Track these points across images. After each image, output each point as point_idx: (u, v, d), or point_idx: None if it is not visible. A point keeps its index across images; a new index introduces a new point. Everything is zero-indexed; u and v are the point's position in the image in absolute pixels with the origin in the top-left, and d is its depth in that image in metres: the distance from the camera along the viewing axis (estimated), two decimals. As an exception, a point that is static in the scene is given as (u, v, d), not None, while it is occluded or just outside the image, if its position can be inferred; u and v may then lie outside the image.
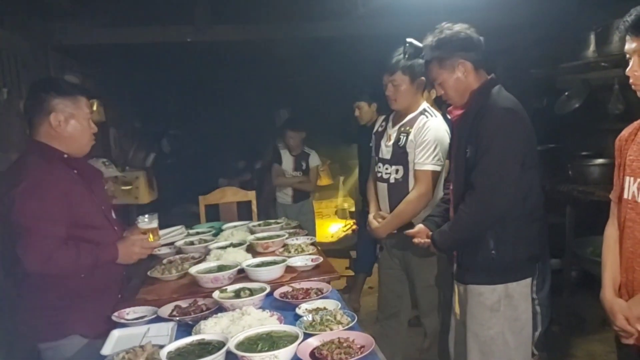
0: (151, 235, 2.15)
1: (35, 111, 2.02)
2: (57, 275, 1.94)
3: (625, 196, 1.69)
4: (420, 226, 2.39)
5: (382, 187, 2.71)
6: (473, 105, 2.09)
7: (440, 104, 2.74)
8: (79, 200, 2.01)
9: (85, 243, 1.98)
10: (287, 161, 4.73)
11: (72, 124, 2.03)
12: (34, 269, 1.87)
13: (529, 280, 2.11)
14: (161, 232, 2.28)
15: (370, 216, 2.77)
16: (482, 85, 2.10)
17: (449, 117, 2.26)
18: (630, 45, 1.59)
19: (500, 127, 1.98)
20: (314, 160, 4.80)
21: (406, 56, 2.47)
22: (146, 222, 2.15)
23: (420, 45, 2.22)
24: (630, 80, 1.62)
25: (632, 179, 1.67)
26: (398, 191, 2.63)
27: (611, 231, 1.79)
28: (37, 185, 1.90)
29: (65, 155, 2.05)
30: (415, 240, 2.35)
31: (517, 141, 1.99)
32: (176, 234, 2.59)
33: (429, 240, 2.26)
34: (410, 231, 2.40)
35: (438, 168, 2.56)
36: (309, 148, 4.82)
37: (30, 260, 1.85)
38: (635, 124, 1.75)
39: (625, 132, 1.77)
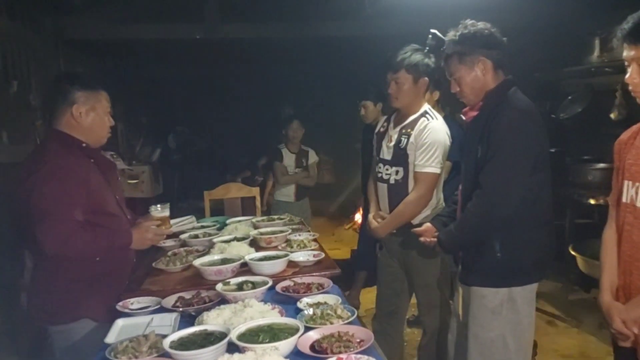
0: (163, 223, 2.25)
1: (58, 101, 2.11)
2: (73, 259, 2.01)
3: (623, 200, 1.69)
4: (427, 225, 2.36)
5: (382, 188, 2.73)
6: (487, 105, 2.06)
7: (445, 105, 2.75)
8: (96, 187, 2.09)
9: (102, 228, 2.05)
10: (289, 159, 4.87)
11: (92, 116, 2.12)
12: (52, 251, 1.93)
13: (534, 285, 2.07)
14: (172, 221, 2.38)
15: (370, 216, 2.79)
16: (499, 86, 2.07)
17: (462, 117, 2.21)
18: (628, 53, 1.58)
19: (512, 128, 1.95)
20: (313, 156, 4.98)
21: (427, 48, 2.44)
22: (159, 210, 2.26)
23: (443, 38, 2.18)
24: (630, 88, 1.62)
25: (630, 182, 1.67)
26: (398, 192, 2.64)
27: (609, 234, 1.78)
28: (57, 170, 1.98)
29: (84, 145, 2.13)
30: (422, 239, 2.32)
31: (529, 143, 1.95)
32: (187, 222, 2.64)
33: (435, 239, 2.23)
34: (418, 229, 2.38)
35: (438, 170, 2.58)
36: (305, 146, 4.97)
37: (49, 243, 1.91)
38: (635, 127, 1.74)
39: (624, 136, 1.77)
